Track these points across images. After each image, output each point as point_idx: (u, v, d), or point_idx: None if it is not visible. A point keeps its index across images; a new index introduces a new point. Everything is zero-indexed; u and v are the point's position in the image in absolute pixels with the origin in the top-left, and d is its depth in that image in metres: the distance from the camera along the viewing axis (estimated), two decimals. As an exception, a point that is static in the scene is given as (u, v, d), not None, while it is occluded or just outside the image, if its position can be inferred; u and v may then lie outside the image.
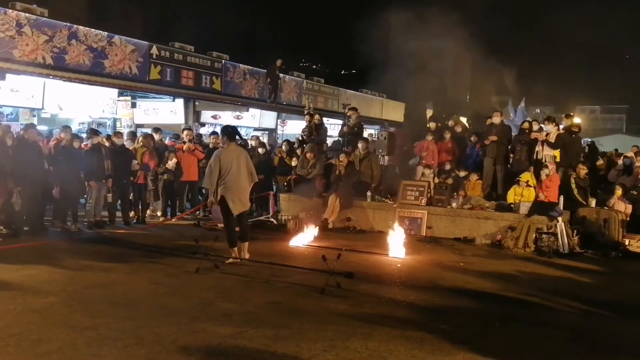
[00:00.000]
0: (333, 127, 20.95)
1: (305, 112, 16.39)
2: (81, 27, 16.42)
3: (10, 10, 14.54)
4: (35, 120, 14.93)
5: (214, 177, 8.32)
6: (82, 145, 11.50)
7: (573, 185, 11.52)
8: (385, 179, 13.33)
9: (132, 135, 13.51)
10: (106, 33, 16.94)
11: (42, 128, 15.04)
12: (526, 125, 13.04)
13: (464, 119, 20.24)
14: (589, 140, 20.32)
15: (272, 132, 23.43)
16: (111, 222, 11.61)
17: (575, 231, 10.54)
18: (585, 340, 5.72)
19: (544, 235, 10.24)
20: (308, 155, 13.20)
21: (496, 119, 12.78)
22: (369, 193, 12.31)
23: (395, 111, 32.53)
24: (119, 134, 12.61)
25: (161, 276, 7.55)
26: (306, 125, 14.87)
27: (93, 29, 16.69)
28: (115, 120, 18.08)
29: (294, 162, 13.71)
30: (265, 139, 19.77)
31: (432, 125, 14.87)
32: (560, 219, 10.33)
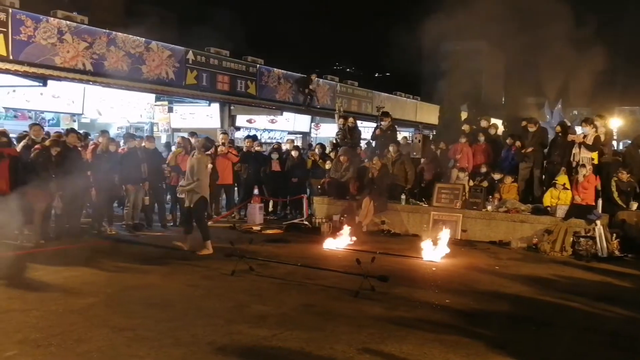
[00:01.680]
0: (367, 130, 20.93)
1: (336, 114, 16.42)
2: (119, 33, 16.79)
3: (52, 19, 14.96)
4: (75, 125, 15.33)
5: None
6: (120, 150, 11.74)
7: (614, 188, 11.26)
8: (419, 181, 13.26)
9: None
10: (144, 39, 17.28)
11: (81, 133, 15.43)
12: (558, 129, 12.80)
13: (498, 121, 19.96)
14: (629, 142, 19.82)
15: (306, 135, 23.56)
16: (148, 225, 11.82)
17: (614, 235, 10.30)
18: (625, 346, 5.60)
19: (581, 239, 10.04)
20: (342, 158, 13.21)
21: (531, 128, 12.58)
22: (403, 196, 12.26)
23: (429, 114, 32.35)
24: (150, 138, 12.82)
25: (197, 278, 7.67)
26: (340, 129, 14.89)
27: (131, 35, 17.04)
28: (152, 124, 18.44)
29: (327, 165, 13.74)
30: (299, 143, 19.90)
31: (466, 127, 14.71)
32: (598, 222, 10.11)
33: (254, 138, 14.96)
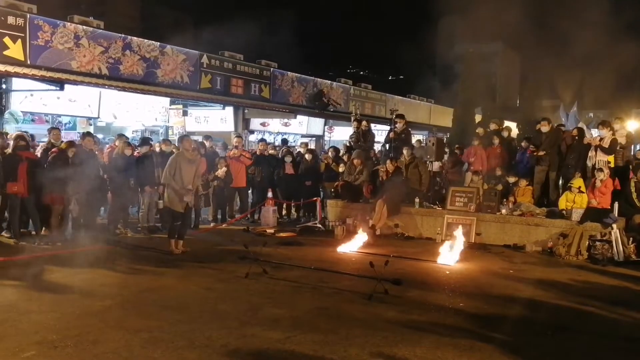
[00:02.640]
0: (380, 133, 20.93)
1: (352, 118, 16.43)
2: (135, 38, 16.96)
3: (69, 23, 15.17)
4: (91, 129, 15.49)
5: None
6: (135, 154, 11.84)
7: (633, 189, 11.13)
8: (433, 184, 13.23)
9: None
10: (158, 43, 17.44)
11: (98, 136, 15.58)
12: (575, 132, 12.71)
13: (513, 124, 19.84)
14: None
15: (319, 138, 23.60)
16: (163, 228, 11.87)
17: (631, 239, 10.18)
18: (641, 352, 5.56)
19: (597, 243, 9.95)
20: (355, 161, 13.21)
21: (544, 128, 12.47)
22: (417, 199, 12.23)
23: (443, 116, 32.24)
24: (167, 142, 12.90)
25: (212, 281, 7.71)
26: (354, 132, 14.90)
27: (146, 40, 17.21)
28: (167, 128, 18.57)
29: (341, 169, 13.76)
30: (312, 146, 19.92)
31: (480, 130, 14.65)
32: (614, 226, 10.01)
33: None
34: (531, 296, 7.41)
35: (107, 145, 13.04)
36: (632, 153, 13.05)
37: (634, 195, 11.03)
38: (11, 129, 13.16)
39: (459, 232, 10.43)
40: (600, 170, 11.09)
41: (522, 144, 13.47)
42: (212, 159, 13.17)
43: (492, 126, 14.61)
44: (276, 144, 18.07)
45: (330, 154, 14.86)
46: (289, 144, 16.57)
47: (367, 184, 12.98)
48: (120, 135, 12.25)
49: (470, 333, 5.77)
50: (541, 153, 12.21)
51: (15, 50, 13.94)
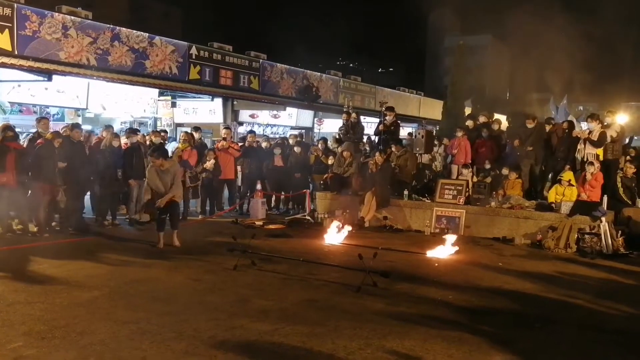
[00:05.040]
0: (370, 126, 20.93)
1: (345, 109, 16.42)
2: (123, 28, 16.82)
3: (57, 14, 15.01)
4: (79, 120, 15.36)
5: None
6: (122, 145, 11.74)
7: (619, 184, 11.20)
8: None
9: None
10: (147, 34, 17.30)
11: (86, 127, 15.46)
12: (565, 125, 12.77)
13: (503, 117, 19.88)
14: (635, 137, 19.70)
15: (308, 130, 23.56)
16: (152, 219, 11.80)
17: (619, 232, 10.24)
18: (629, 344, 5.57)
19: (586, 236, 10.00)
20: (345, 153, 13.20)
21: (529, 125, 12.55)
22: (406, 192, 12.24)
23: (433, 109, 32.30)
24: (157, 133, 12.81)
25: (200, 272, 7.68)
26: (343, 124, 14.88)
27: (135, 31, 17.07)
28: (155, 119, 18.46)
29: (330, 161, 13.74)
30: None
31: (470, 123, 14.67)
32: (603, 219, 10.05)
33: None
34: (520, 289, 7.44)
35: (96, 137, 12.92)
36: (629, 144, 13.04)
37: (620, 190, 11.10)
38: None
39: (448, 225, 10.44)
40: (591, 164, 11.12)
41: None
42: (201, 151, 13.09)
43: (482, 119, 14.62)
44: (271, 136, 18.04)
45: (319, 146, 14.83)
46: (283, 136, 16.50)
47: (356, 176, 12.97)
48: (108, 127, 12.13)
49: (458, 325, 5.78)
50: (529, 148, 12.26)
51: (2, 40, 13.78)
